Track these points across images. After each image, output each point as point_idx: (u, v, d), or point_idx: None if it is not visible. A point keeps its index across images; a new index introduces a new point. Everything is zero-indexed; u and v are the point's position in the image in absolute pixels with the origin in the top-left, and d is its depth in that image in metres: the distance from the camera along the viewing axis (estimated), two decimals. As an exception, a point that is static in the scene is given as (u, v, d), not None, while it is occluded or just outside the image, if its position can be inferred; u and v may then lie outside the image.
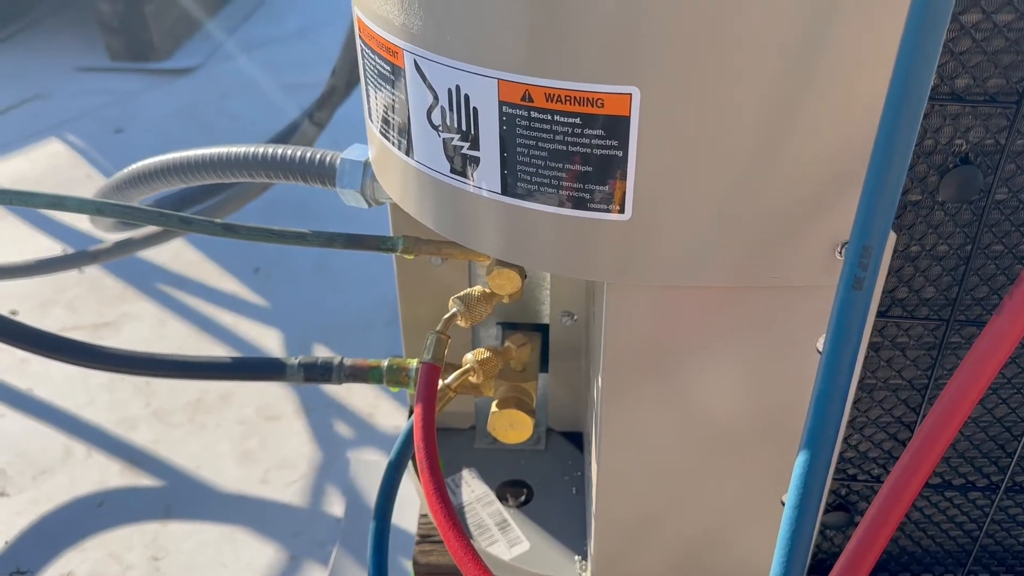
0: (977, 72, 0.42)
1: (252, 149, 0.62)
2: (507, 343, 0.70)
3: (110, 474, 1.02)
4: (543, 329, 0.75)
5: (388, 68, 0.49)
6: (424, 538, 0.78)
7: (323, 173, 0.62)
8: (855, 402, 0.55)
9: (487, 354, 0.66)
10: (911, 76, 0.33)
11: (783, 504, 0.59)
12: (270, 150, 0.61)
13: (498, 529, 0.73)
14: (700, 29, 0.38)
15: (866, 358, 0.53)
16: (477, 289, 0.62)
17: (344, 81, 1.01)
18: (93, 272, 1.37)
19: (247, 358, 0.71)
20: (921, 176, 0.45)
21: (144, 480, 1.02)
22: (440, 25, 0.44)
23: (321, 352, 1.19)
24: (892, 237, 0.46)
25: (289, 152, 0.61)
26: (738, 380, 0.51)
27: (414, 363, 0.70)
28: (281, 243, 0.61)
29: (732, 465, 0.55)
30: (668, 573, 0.63)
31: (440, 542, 0.77)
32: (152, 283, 1.33)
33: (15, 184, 1.68)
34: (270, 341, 1.23)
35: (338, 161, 0.61)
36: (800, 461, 0.39)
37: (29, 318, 1.31)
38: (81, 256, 1.06)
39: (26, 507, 0.97)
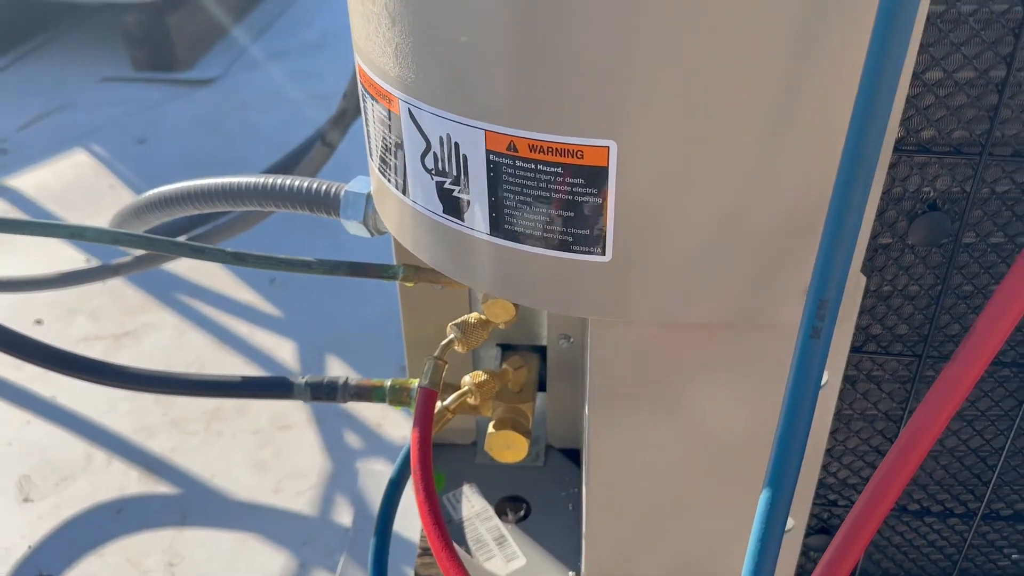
0: (941, 125, 0.44)
1: (262, 180, 0.65)
2: (504, 365, 0.72)
3: (129, 481, 1.06)
4: (541, 351, 0.78)
5: (385, 113, 0.52)
6: (425, 551, 0.81)
7: (328, 204, 0.65)
8: (834, 431, 0.57)
9: (484, 377, 0.69)
10: (862, 143, 0.36)
11: (765, 527, 0.61)
12: (279, 181, 0.64)
13: (496, 544, 0.75)
14: (674, 91, 0.41)
15: (843, 391, 0.55)
16: (474, 316, 0.65)
17: (354, 104, 1.04)
18: (115, 281, 1.41)
19: (256, 377, 0.75)
20: (891, 221, 0.47)
21: (161, 487, 1.05)
22: (431, 79, 0.46)
23: (334, 362, 1.22)
24: (862, 279, 0.48)
25: (296, 183, 0.64)
26: (724, 412, 0.53)
27: (415, 383, 0.73)
28: (289, 271, 0.64)
29: (720, 492, 0.57)
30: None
31: (441, 555, 0.79)
32: (171, 293, 1.37)
33: (40, 195, 1.73)
34: (284, 351, 1.26)
35: (343, 193, 0.64)
36: (764, 498, 0.42)
37: (54, 327, 1.35)
38: (104, 270, 1.10)
39: (49, 512, 1.01)
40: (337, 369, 1.20)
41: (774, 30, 0.39)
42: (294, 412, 1.13)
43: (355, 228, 0.65)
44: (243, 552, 0.96)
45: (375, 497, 0.91)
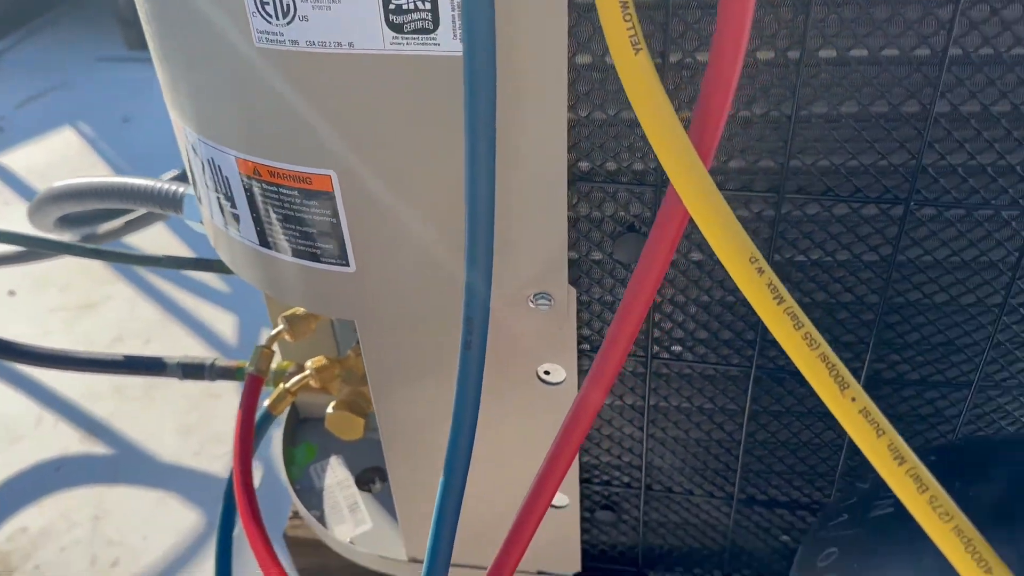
0: (621, 160, 0.50)
1: (118, 181, 0.73)
2: (349, 351, 0.80)
3: (71, 441, 1.17)
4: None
5: (183, 135, 0.59)
6: (296, 515, 0.90)
7: (176, 205, 0.73)
8: (608, 420, 0.64)
9: (325, 362, 0.77)
10: (474, 197, 0.42)
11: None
12: (131, 182, 0.72)
13: (348, 510, 0.84)
14: (383, 131, 0.48)
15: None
16: (301, 309, 0.73)
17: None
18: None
19: (138, 357, 0.84)
20: (597, 241, 0.53)
21: (99, 448, 1.16)
22: (192, 111, 0.54)
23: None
24: (572, 291, 0.54)
25: (147, 184, 0.72)
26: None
27: (273, 365, 0.81)
28: (141, 265, 0.73)
29: (482, 468, 0.64)
30: (463, 548, 0.73)
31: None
32: (131, 267, 1.47)
33: (28, 173, 1.84)
34: (225, 324, 1.36)
35: (184, 196, 0.72)
36: (441, 482, 0.49)
37: (25, 298, 1.46)
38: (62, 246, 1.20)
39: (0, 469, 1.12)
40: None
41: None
42: (226, 383, 1.22)
43: (198, 227, 0.73)
44: (162, 508, 1.06)
45: (281, 462, 0.99)
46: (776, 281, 0.35)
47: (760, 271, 0.35)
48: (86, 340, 1.36)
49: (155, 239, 1.52)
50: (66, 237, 1.08)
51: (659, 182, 0.50)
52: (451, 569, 0.52)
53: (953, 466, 0.42)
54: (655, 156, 0.38)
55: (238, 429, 0.68)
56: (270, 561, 0.63)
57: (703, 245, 0.53)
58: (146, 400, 1.23)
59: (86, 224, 1.11)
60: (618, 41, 0.35)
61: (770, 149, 0.47)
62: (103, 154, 1.85)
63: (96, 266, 1.50)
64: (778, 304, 0.35)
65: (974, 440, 0.50)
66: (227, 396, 1.21)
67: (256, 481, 1.09)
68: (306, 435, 0.91)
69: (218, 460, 1.13)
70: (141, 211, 1.06)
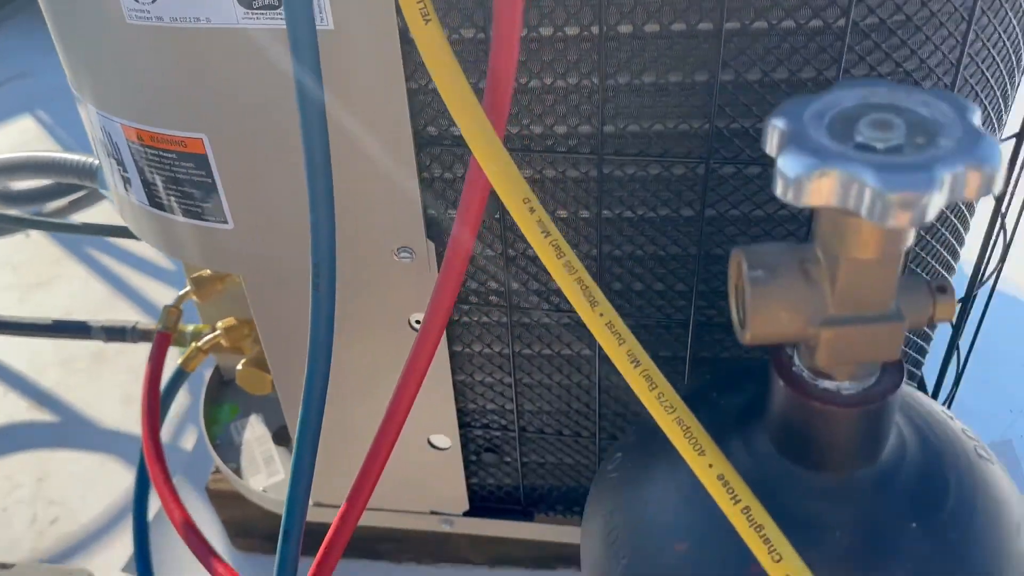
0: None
1: (35, 154, 0.78)
2: (260, 312, 0.86)
3: (19, 410, 1.22)
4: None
5: (83, 111, 0.65)
6: (217, 469, 0.96)
7: (91, 175, 0.79)
8: (480, 367, 0.70)
9: (234, 322, 0.83)
10: (311, 153, 0.48)
11: (430, 443, 0.75)
12: (47, 155, 0.78)
13: (264, 463, 0.89)
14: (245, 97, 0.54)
15: (463, 335, 0.67)
16: (208, 271, 0.78)
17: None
18: (37, 236, 1.56)
19: (65, 321, 0.89)
20: (452, 200, 0.59)
21: (45, 416, 1.21)
22: (84, 85, 0.59)
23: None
24: (431, 245, 0.60)
25: (63, 157, 0.78)
26: (355, 342, 0.67)
27: (190, 328, 0.87)
28: (61, 232, 0.79)
29: (366, 408, 0.70)
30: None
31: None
32: (83, 247, 1.53)
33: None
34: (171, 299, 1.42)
35: (98, 167, 0.77)
36: (300, 415, 0.55)
37: (-22, 277, 1.51)
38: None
39: (-50, 436, 1.18)
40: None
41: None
42: (173, 359, 1.28)
43: (109, 196, 0.79)
44: (103, 470, 1.12)
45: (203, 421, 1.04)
46: (545, 218, 0.42)
47: (532, 210, 0.41)
48: (37, 316, 1.41)
49: (106, 217, 1.57)
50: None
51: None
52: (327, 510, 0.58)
53: (718, 381, 0.49)
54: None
55: (146, 382, 0.74)
56: (171, 498, 0.69)
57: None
58: (92, 372, 1.28)
59: (33, 202, 1.16)
60: (410, 13, 0.42)
61: (587, 115, 0.54)
62: (61, 141, 1.90)
63: (49, 246, 1.55)
64: (545, 237, 0.41)
65: (748, 362, 0.57)
66: (170, 369, 1.27)
67: (191, 442, 1.15)
68: (230, 396, 0.97)
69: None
70: (85, 190, 1.11)
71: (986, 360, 0.97)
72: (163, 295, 1.42)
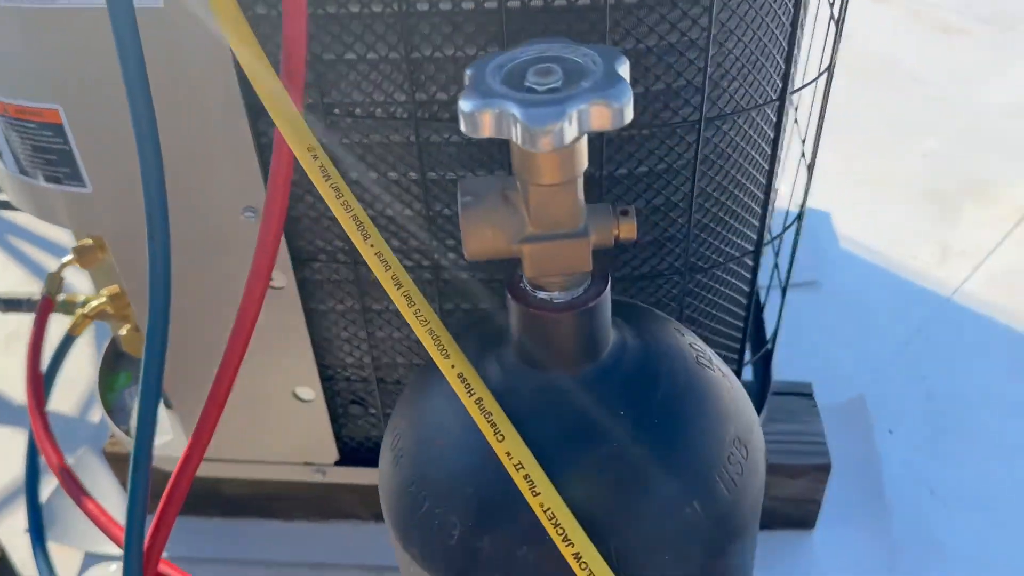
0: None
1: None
2: (146, 281, 0.91)
3: (-64, 391, 1.27)
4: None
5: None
6: (113, 435, 1.01)
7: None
8: (335, 323, 0.76)
9: (118, 290, 0.88)
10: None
11: (295, 395, 0.81)
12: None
13: (155, 423, 0.95)
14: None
15: (316, 293, 0.74)
16: (88, 240, 0.84)
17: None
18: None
19: (-38, 292, 0.94)
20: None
21: (-40, 396, 1.26)
22: (-51, 60, 0.65)
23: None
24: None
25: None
26: (212, 298, 0.72)
27: (80, 298, 0.92)
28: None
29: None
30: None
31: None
32: (2, 235, 1.57)
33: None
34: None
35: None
36: (143, 361, 0.61)
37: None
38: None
39: None
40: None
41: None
42: (84, 338, 1.32)
43: None
44: (11, 443, 1.17)
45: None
46: (327, 163, 0.48)
47: (315, 157, 0.48)
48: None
49: None
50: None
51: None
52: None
53: (489, 317, 0.56)
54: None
55: (30, 345, 0.80)
56: (48, 444, 0.74)
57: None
58: (4, 351, 1.32)
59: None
60: (212, -8, 0.48)
61: (399, 84, 0.60)
62: None
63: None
64: (326, 181, 0.48)
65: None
66: (82, 345, 1.31)
67: (98, 415, 1.21)
68: (125, 365, 1.02)
69: (67, 401, 1.24)
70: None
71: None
72: (75, 279, 1.46)
